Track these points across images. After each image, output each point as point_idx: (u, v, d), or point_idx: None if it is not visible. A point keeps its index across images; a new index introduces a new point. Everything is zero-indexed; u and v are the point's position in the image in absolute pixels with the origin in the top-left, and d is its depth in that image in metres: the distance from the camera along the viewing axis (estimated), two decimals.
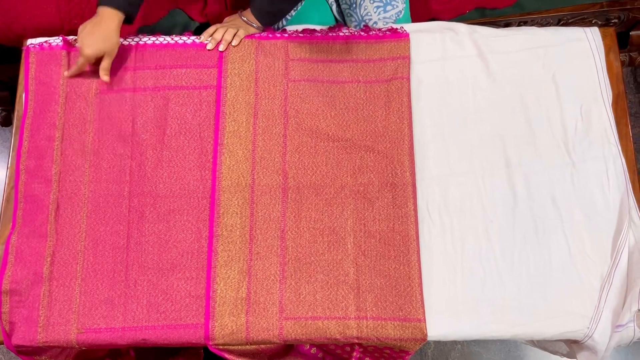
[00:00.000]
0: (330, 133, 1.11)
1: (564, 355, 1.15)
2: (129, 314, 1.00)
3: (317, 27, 1.19)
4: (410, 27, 1.19)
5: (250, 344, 1.00)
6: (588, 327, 1.01)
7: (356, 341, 1.00)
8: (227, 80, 1.13)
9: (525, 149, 1.11)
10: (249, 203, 1.06)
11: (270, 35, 1.17)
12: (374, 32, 1.18)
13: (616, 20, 1.45)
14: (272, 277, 1.03)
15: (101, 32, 1.03)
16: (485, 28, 1.19)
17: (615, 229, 1.07)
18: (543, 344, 1.16)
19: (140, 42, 1.15)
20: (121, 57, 1.12)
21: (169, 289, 1.02)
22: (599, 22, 1.44)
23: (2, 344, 1.00)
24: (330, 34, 1.18)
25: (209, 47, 1.14)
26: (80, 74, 1.11)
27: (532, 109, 1.14)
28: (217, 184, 1.07)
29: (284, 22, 1.24)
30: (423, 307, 1.00)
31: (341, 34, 1.17)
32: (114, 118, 1.11)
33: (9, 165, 1.10)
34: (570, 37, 1.18)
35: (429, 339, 0.99)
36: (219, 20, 1.23)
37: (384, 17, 1.22)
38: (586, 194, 1.09)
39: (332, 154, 1.10)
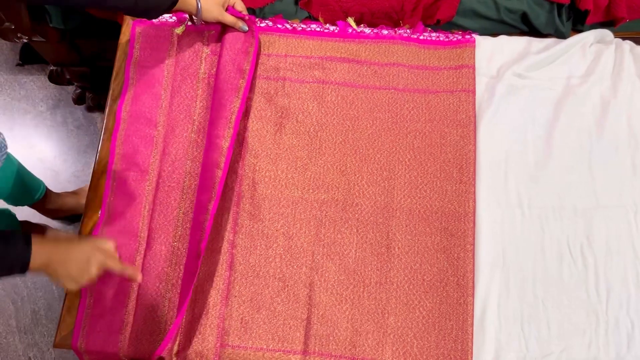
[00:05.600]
0: (359, 145, 0.98)
1: None
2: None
3: None
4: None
5: None
6: None
7: None
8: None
9: None
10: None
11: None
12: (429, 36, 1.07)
13: None
14: (213, 299, 0.89)
15: None
16: None
17: None
18: None
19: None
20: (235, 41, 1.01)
21: None
22: None
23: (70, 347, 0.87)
24: (368, 33, 1.06)
25: None
26: (188, 54, 1.01)
27: None
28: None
29: None
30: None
31: (385, 32, 1.05)
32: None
33: (99, 149, 0.98)
34: None
35: None
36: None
37: None
38: None
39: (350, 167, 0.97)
